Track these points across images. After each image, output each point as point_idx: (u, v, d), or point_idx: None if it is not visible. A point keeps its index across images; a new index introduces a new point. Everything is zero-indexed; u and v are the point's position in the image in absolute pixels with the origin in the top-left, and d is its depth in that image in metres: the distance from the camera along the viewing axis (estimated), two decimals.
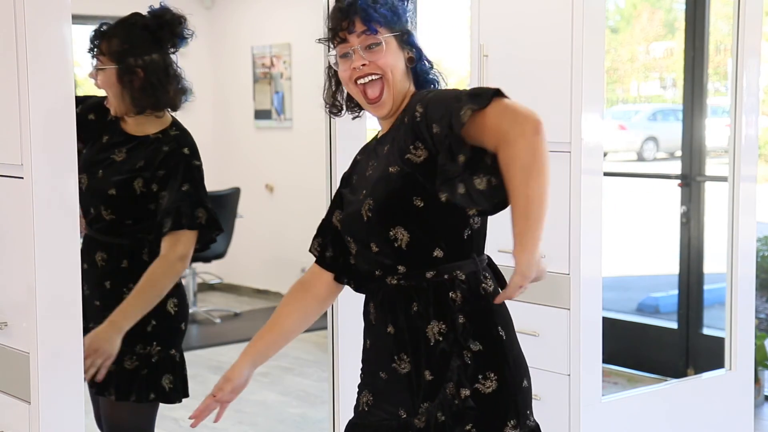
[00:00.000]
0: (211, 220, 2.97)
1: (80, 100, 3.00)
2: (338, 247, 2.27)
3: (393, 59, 2.15)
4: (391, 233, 2.08)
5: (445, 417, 2.06)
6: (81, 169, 2.80)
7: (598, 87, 3.12)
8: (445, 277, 2.09)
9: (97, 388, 2.92)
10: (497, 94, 1.98)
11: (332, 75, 2.28)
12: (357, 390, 2.26)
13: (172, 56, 2.95)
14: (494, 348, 2.09)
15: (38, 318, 2.32)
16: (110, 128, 2.99)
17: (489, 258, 2.20)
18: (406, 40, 2.19)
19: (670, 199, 5.34)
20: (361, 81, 2.15)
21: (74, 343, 2.38)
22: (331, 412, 3.08)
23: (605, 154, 3.80)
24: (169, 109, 2.97)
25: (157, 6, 2.94)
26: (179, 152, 2.91)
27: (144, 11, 2.96)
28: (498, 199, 1.99)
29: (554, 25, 3.12)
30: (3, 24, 2.33)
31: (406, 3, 2.22)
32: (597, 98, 3.11)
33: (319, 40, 2.27)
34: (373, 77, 2.14)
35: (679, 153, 5.43)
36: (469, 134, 1.96)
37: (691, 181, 5.22)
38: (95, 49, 2.90)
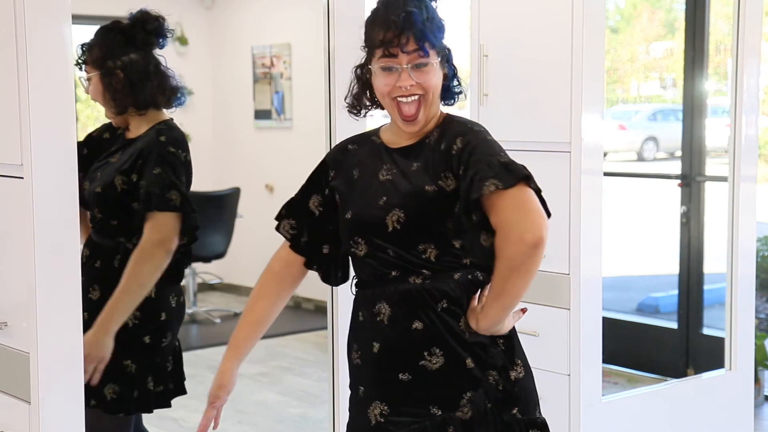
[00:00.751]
0: (185, 201, 2.90)
1: (103, 128, 3.13)
2: (314, 234, 2.28)
3: (436, 80, 2.14)
4: (420, 247, 2.12)
5: (491, 404, 2.10)
6: (86, 177, 2.91)
7: (598, 87, 3.12)
8: (469, 277, 2.14)
9: None
10: (526, 179, 2.05)
11: (360, 77, 2.23)
12: (356, 407, 2.19)
13: (159, 57, 3.01)
14: (513, 339, 2.19)
15: (38, 318, 2.32)
16: (118, 139, 3.05)
17: None
18: (446, 59, 2.18)
19: (670, 199, 5.34)
20: (405, 100, 2.12)
21: (74, 343, 2.38)
22: (331, 412, 3.08)
23: (605, 154, 3.81)
24: (164, 109, 3.00)
25: (139, 10, 3.02)
26: (155, 141, 2.92)
27: (145, 11, 3.02)
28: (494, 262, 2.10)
29: (554, 25, 3.12)
30: (3, 24, 2.33)
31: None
32: (597, 98, 3.11)
33: (364, 47, 2.19)
34: (415, 97, 2.12)
35: (679, 153, 5.43)
36: (484, 203, 2.05)
37: (691, 181, 5.22)
38: (83, 63, 2.98)
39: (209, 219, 6.99)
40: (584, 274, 3.11)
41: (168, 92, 3.00)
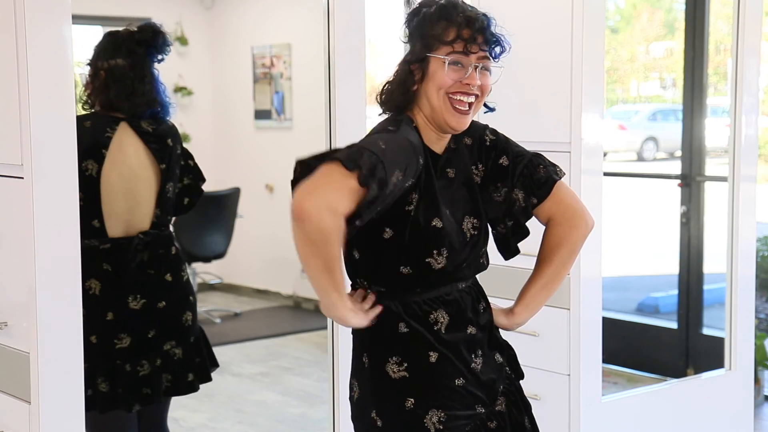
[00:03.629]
0: None
1: None
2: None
3: (490, 87, 2.20)
4: (483, 251, 2.23)
5: (516, 396, 2.25)
6: None
7: (598, 87, 3.12)
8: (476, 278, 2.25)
9: None
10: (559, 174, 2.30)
11: (409, 72, 2.15)
12: (408, 417, 2.10)
13: (154, 69, 3.10)
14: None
15: (38, 318, 2.32)
16: None
17: None
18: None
19: (670, 199, 5.34)
20: (466, 99, 2.12)
21: (74, 343, 2.39)
22: (331, 412, 3.08)
23: (605, 154, 3.80)
24: (131, 116, 3.07)
25: (159, 16, 3.10)
26: None
27: (145, 11, 3.08)
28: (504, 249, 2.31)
29: (554, 25, 3.12)
30: (3, 24, 2.33)
31: None
32: (597, 98, 3.11)
33: (423, 35, 2.13)
34: (473, 98, 2.15)
35: (679, 153, 5.43)
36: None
37: (691, 181, 5.22)
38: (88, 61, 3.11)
39: (209, 219, 6.99)
40: (584, 274, 3.11)
41: (138, 100, 3.05)
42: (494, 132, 2.27)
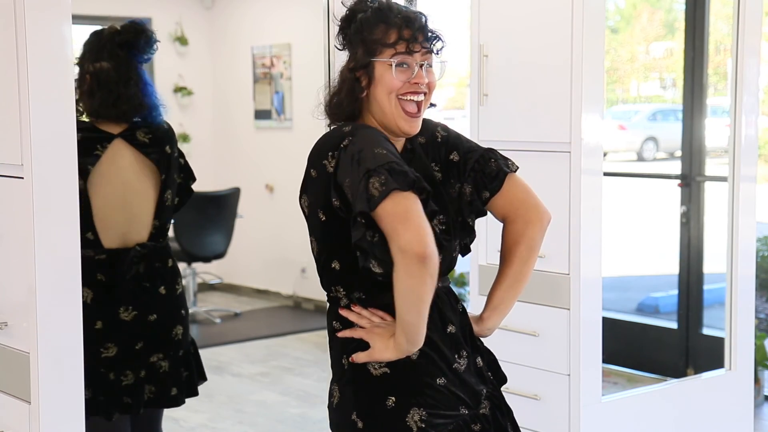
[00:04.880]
0: None
1: None
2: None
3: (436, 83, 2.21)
4: (456, 246, 2.21)
5: (496, 392, 2.24)
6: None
7: (598, 87, 3.11)
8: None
9: None
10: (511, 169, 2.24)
11: (353, 80, 2.15)
12: (390, 415, 2.09)
13: (141, 70, 3.04)
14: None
15: (38, 318, 2.32)
16: None
17: None
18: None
19: (670, 199, 5.34)
20: (416, 98, 2.14)
21: (74, 343, 2.38)
22: None
23: (605, 154, 3.81)
24: (121, 123, 3.04)
25: (159, 16, 3.05)
26: None
27: (145, 11, 3.05)
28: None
29: (554, 25, 3.12)
30: (3, 24, 2.33)
31: None
32: (597, 98, 3.11)
33: (363, 40, 2.15)
34: (422, 97, 2.16)
35: (679, 153, 5.43)
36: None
37: (691, 181, 5.22)
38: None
39: (209, 219, 7.00)
40: (584, 274, 3.11)
41: (124, 107, 3.02)
42: (445, 128, 2.27)
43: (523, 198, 2.21)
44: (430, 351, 2.10)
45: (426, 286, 1.93)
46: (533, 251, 2.21)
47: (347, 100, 2.17)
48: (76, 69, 3.01)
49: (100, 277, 2.99)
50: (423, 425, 2.07)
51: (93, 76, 2.99)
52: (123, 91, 3.00)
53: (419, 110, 2.15)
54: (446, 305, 2.16)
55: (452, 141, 2.25)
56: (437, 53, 2.17)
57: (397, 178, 1.94)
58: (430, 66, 2.16)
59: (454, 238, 2.19)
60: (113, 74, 3.00)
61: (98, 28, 3.08)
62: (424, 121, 2.24)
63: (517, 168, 2.25)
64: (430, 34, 2.15)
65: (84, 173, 2.93)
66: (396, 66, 2.12)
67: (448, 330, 2.15)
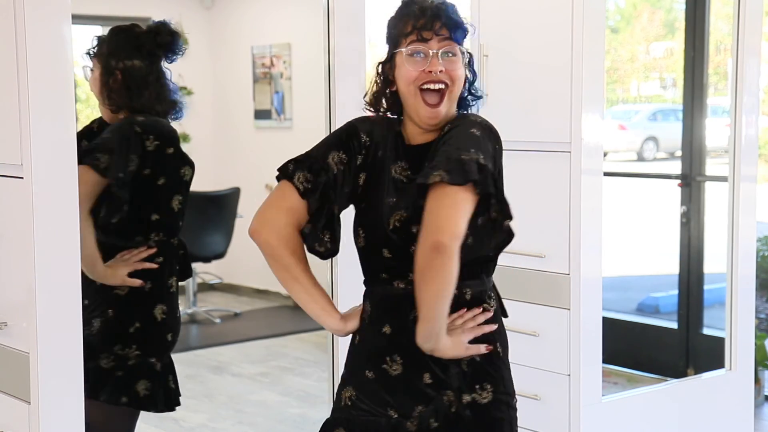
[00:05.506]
0: (112, 168, 2.89)
1: (96, 123, 3.13)
2: (325, 194, 2.13)
3: (461, 72, 2.13)
4: (412, 248, 2.03)
5: (439, 423, 2.08)
6: None
7: (598, 87, 3.11)
8: (455, 292, 2.03)
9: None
10: (474, 183, 1.94)
11: (382, 73, 2.19)
12: (337, 388, 2.25)
13: (165, 69, 3.05)
14: (491, 362, 2.14)
15: (38, 318, 2.32)
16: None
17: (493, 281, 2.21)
18: (469, 62, 2.18)
19: (670, 199, 5.34)
20: (433, 87, 2.10)
21: (74, 343, 2.38)
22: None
23: (605, 154, 3.80)
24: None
25: (159, 16, 3.08)
26: (126, 120, 2.97)
27: (145, 11, 3.05)
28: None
29: (554, 25, 3.12)
30: (3, 24, 2.33)
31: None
32: (597, 98, 3.11)
33: (389, 35, 2.16)
34: (441, 86, 2.11)
35: (679, 153, 5.43)
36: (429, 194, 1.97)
37: (691, 181, 5.22)
38: (92, 54, 3.04)
39: (209, 219, 7.00)
40: (584, 274, 3.11)
41: (165, 104, 3.03)
42: (450, 127, 2.08)
43: (427, 215, 1.95)
44: (367, 343, 2.17)
45: (451, 276, 1.97)
46: (418, 275, 1.95)
47: (380, 94, 2.20)
48: (90, 62, 3.01)
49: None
50: (349, 403, 2.18)
51: (124, 73, 2.98)
52: (160, 89, 3.02)
53: (441, 100, 2.11)
54: (392, 306, 2.12)
55: (448, 133, 2.06)
56: (458, 41, 2.11)
57: (459, 170, 1.98)
58: (452, 54, 2.11)
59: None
60: (147, 73, 3.00)
61: (98, 27, 3.10)
62: (464, 114, 2.14)
63: (458, 183, 1.94)
64: (448, 21, 2.10)
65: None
66: (408, 55, 2.11)
67: (383, 330, 2.13)
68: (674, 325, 5.44)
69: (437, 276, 1.93)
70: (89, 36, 3.07)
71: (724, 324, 3.74)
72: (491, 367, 2.13)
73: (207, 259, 7.12)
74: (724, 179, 3.79)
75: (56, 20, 2.33)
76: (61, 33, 2.33)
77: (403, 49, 2.12)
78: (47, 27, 2.31)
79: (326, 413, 2.31)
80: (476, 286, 2.12)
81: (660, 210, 5.89)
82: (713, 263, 5.22)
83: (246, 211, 7.61)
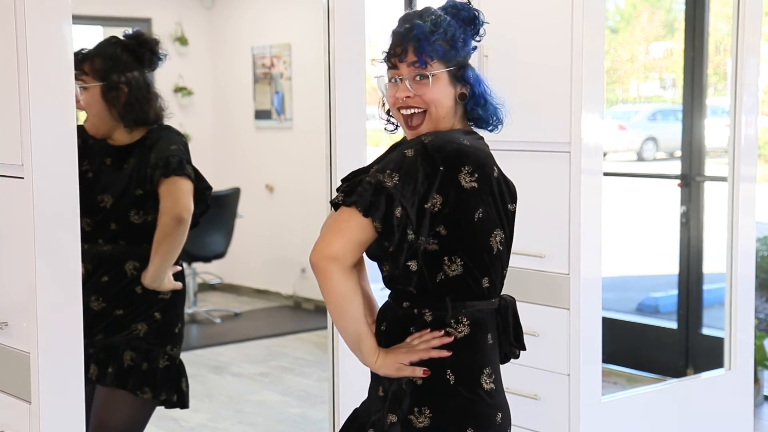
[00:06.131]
0: (200, 176, 3.13)
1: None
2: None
3: (439, 94, 2.09)
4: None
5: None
6: None
7: (598, 87, 3.12)
8: (414, 311, 2.10)
9: (98, 377, 2.97)
10: (358, 204, 1.98)
11: (381, 90, 2.24)
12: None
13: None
14: (434, 388, 2.08)
15: (38, 318, 2.32)
16: (98, 146, 3.07)
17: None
18: (459, 76, 2.12)
19: (669, 199, 5.34)
20: (405, 112, 2.12)
21: (74, 343, 2.39)
22: (331, 412, 3.08)
23: (605, 154, 3.81)
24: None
25: (133, 29, 3.09)
26: (166, 136, 3.06)
27: (145, 11, 3.06)
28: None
29: (554, 26, 3.12)
30: (3, 24, 2.33)
31: (470, 35, 2.14)
32: (597, 98, 3.11)
33: (376, 60, 2.21)
34: (416, 110, 2.10)
35: (678, 153, 5.43)
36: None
37: (690, 181, 5.22)
38: (77, 72, 2.95)
39: (209, 219, 6.96)
40: (584, 274, 3.11)
41: (159, 111, 3.09)
42: (418, 143, 2.05)
43: (326, 223, 2.10)
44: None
45: None
46: None
47: (386, 111, 2.24)
48: (98, 84, 2.98)
49: None
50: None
51: (128, 85, 2.99)
52: (154, 98, 3.07)
53: (422, 122, 2.11)
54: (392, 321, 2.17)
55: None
56: (423, 65, 2.06)
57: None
58: (422, 77, 2.08)
59: (399, 256, 2.09)
60: (143, 83, 3.03)
61: (98, 27, 3.10)
62: (429, 133, 2.09)
63: (341, 201, 2.02)
64: (416, 45, 2.06)
65: None
66: (389, 81, 2.14)
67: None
68: (674, 325, 5.44)
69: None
70: (89, 36, 3.06)
71: (724, 324, 3.74)
72: (434, 394, 2.08)
73: (207, 259, 7.12)
74: (723, 179, 3.79)
75: (56, 20, 2.33)
76: (61, 33, 2.33)
77: (384, 74, 2.15)
78: (47, 27, 2.32)
79: (326, 413, 2.32)
80: (438, 309, 2.09)
81: (660, 210, 5.89)
82: (713, 263, 5.22)
83: (246, 211, 7.61)
